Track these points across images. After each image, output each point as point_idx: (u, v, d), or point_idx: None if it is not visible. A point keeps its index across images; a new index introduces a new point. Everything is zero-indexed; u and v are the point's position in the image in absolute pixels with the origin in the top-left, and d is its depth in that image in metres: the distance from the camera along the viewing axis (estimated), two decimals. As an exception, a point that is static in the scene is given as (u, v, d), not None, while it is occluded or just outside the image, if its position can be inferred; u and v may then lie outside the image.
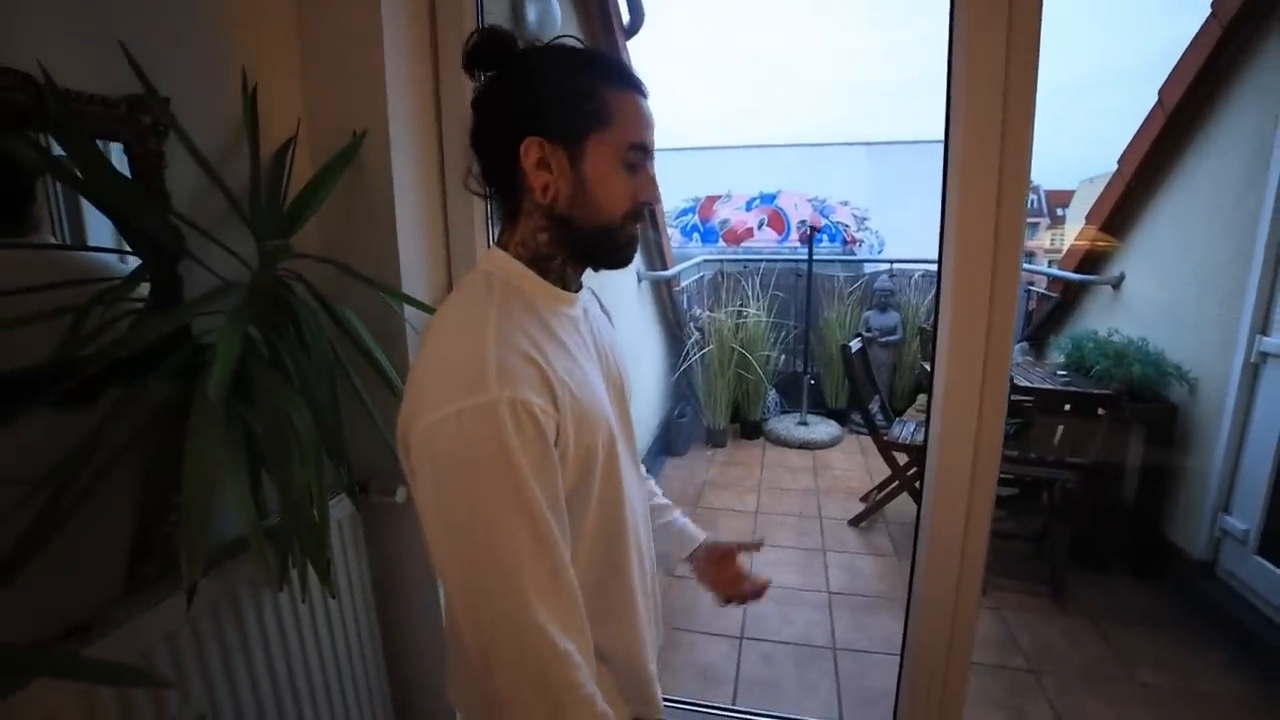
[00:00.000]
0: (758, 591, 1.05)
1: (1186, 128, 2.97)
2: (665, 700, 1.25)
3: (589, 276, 0.84)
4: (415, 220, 1.31)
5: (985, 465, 1.35)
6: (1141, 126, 3.20)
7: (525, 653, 0.65)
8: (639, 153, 0.73)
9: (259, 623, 1.09)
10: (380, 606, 1.40)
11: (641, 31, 2.95)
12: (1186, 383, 2.79)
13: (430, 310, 1.23)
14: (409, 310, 1.26)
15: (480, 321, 0.68)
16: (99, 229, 0.97)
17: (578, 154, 0.71)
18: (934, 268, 4.44)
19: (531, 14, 1.91)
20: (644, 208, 0.76)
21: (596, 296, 0.95)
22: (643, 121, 0.73)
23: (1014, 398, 2.80)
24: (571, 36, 0.76)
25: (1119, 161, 3.38)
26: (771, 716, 1.73)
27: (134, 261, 0.96)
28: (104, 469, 0.80)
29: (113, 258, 0.98)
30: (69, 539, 0.79)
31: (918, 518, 1.51)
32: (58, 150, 0.84)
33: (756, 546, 1.09)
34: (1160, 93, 3.03)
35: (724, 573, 1.07)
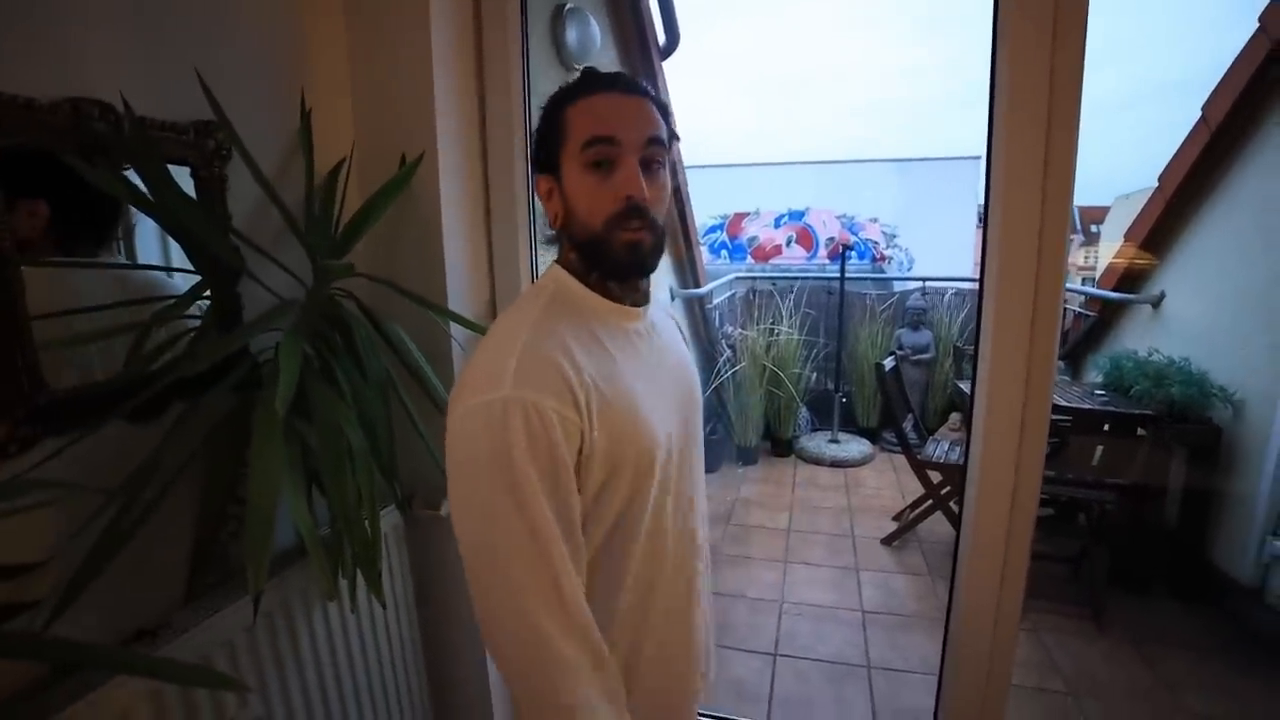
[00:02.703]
0: None
1: (1231, 144, 2.93)
2: (700, 714, 1.24)
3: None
4: (461, 240, 1.35)
5: (1026, 485, 1.34)
6: (1184, 143, 3.15)
7: (522, 653, 0.67)
8: (600, 146, 0.71)
9: (309, 631, 1.11)
10: (421, 616, 1.43)
11: (680, 50, 3.00)
12: (1231, 404, 2.74)
13: (476, 327, 1.26)
14: (455, 329, 1.29)
15: (518, 327, 0.71)
16: (147, 247, 1.00)
17: (560, 178, 0.75)
18: (965, 285, 4.41)
19: (572, 37, 1.96)
20: (629, 205, 0.72)
21: (673, 316, 0.97)
22: (598, 117, 0.72)
23: (1052, 417, 2.76)
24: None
25: (1159, 178, 3.34)
26: None
27: (180, 278, 1.00)
28: (170, 481, 0.84)
29: (161, 274, 1.02)
30: (135, 549, 0.82)
31: (957, 537, 1.49)
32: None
33: None
34: (1204, 109, 2.99)
35: None
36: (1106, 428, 2.91)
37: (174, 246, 0.98)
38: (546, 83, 1.61)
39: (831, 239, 9.26)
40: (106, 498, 0.78)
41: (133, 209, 0.91)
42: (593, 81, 0.75)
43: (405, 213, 1.25)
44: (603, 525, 0.75)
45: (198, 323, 1.01)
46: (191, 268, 0.99)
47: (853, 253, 10.10)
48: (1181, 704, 2.17)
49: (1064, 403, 2.96)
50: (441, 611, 1.47)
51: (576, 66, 2.03)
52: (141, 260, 1.01)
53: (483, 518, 0.67)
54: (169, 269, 0.97)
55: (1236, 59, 2.81)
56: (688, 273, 4.24)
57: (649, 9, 2.94)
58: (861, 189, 10.40)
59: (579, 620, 0.69)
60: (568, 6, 1.98)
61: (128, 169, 0.87)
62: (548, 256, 1.45)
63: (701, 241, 11.40)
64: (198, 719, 0.90)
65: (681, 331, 0.98)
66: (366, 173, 1.25)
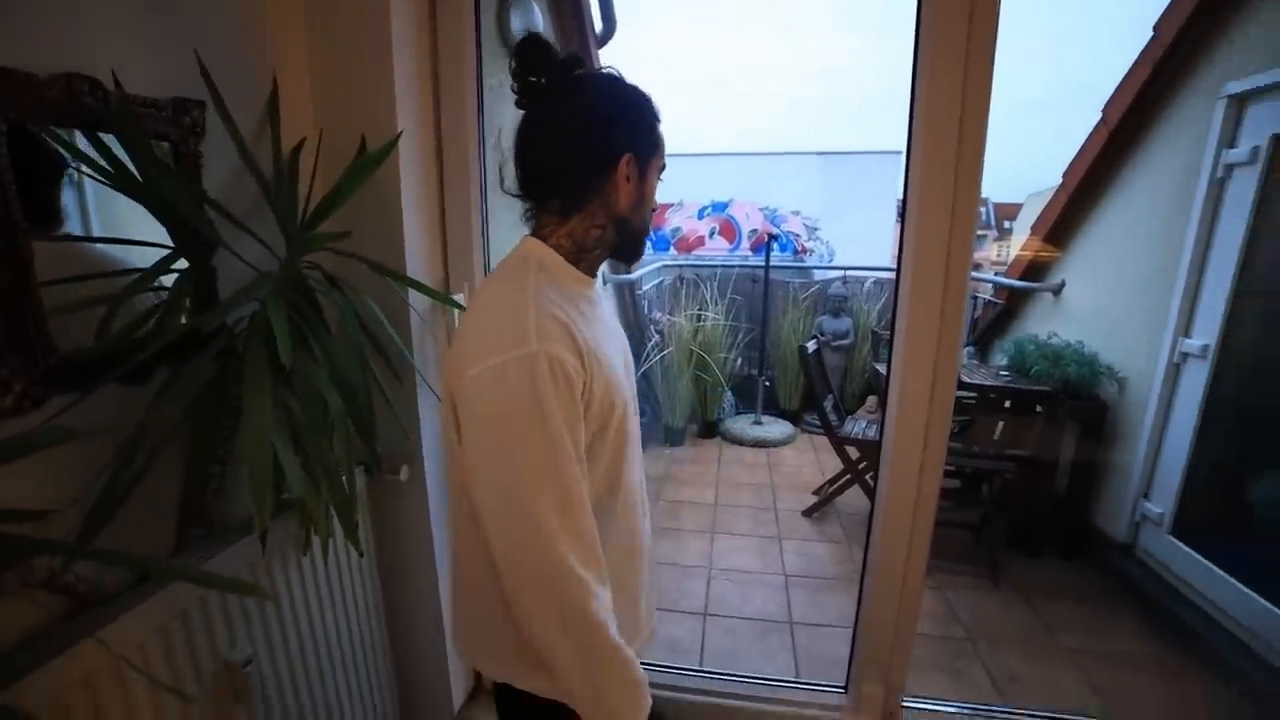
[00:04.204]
0: None
1: (1126, 145, 3.18)
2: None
3: None
4: (418, 219, 1.42)
5: (932, 456, 1.52)
6: (1086, 142, 3.39)
7: (548, 582, 0.77)
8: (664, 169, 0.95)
9: (285, 579, 1.19)
10: (380, 570, 1.51)
11: (615, 39, 3.08)
12: (1117, 381, 3.03)
13: (436, 294, 1.35)
14: (414, 303, 1.37)
15: (522, 292, 0.82)
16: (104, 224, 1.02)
17: (645, 171, 0.90)
18: (884, 275, 4.64)
19: (516, 24, 2.03)
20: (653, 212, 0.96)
21: (601, 290, 1.09)
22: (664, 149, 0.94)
23: (958, 395, 2.99)
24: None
25: (1063, 175, 3.59)
26: (734, 677, 1.86)
27: (136, 253, 1.02)
28: (164, 438, 0.89)
29: (117, 249, 1.03)
30: (130, 505, 0.87)
31: (872, 503, 1.66)
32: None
33: None
34: (1104, 110, 3.22)
35: None
36: (1008, 405, 3.15)
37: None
38: (491, 67, 1.68)
39: (754, 231, 9.44)
40: (112, 452, 0.83)
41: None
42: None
43: (366, 191, 1.30)
44: (598, 474, 0.87)
45: (164, 295, 1.04)
46: (156, 241, 1.02)
47: (776, 244, 10.39)
48: (1057, 642, 2.47)
49: (971, 382, 3.18)
50: (398, 567, 1.57)
51: (549, 40, 2.10)
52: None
53: (516, 459, 0.76)
54: (144, 243, 1.00)
55: (1134, 63, 3.04)
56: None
57: (588, -2, 3.01)
58: (784, 182, 10.56)
59: (592, 548, 0.80)
60: (511, -5, 2.04)
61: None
62: (504, 231, 1.54)
63: (627, 231, 11.49)
64: (198, 656, 0.98)
65: None
66: (327, 154, 1.30)
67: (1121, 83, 3.13)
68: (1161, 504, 2.75)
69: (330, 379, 1.06)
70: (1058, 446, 3.16)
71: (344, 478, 1.06)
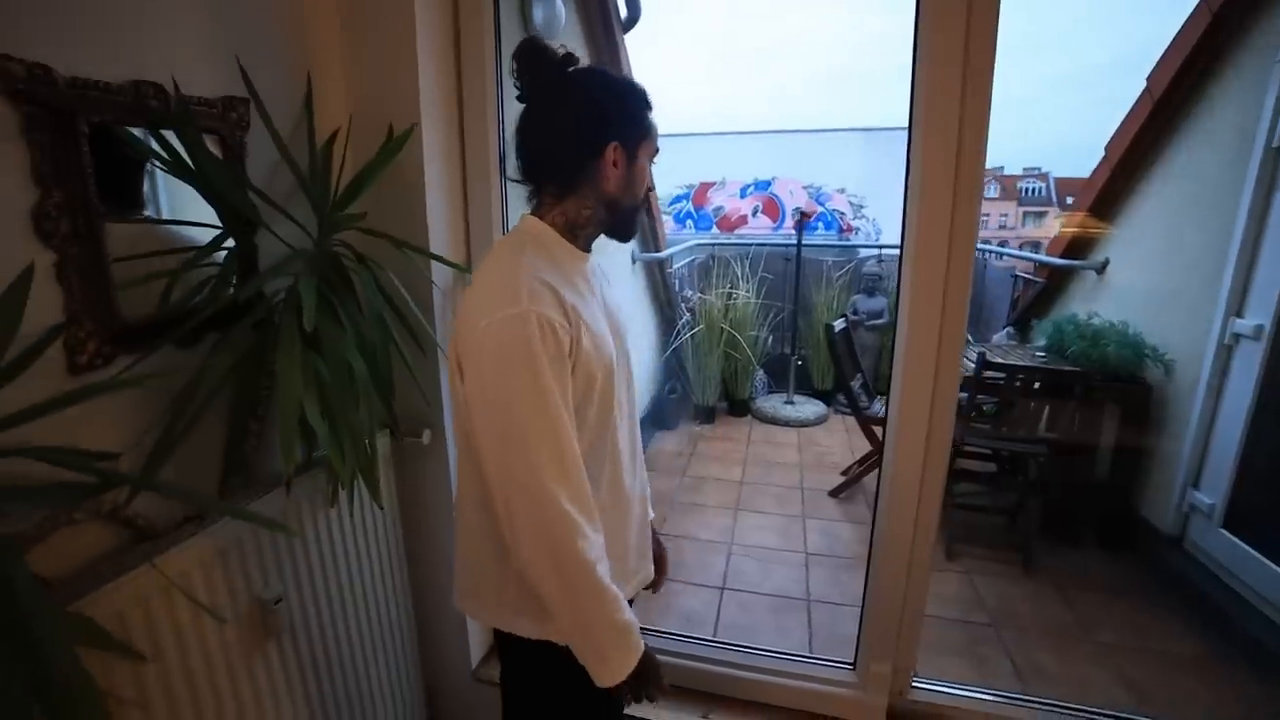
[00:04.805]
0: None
1: (1173, 116, 3.04)
2: (649, 631, 1.49)
3: (601, 252, 1.09)
4: (440, 199, 1.52)
5: (938, 433, 1.53)
6: (1129, 113, 3.26)
7: (537, 517, 0.88)
8: (656, 154, 1.06)
9: (314, 530, 1.32)
10: (405, 530, 1.64)
11: (641, 22, 3.13)
12: (1162, 364, 2.89)
13: (457, 266, 1.49)
14: (436, 277, 1.48)
15: (516, 262, 0.93)
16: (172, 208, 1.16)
17: (633, 155, 1.00)
18: None
19: (538, 15, 2.11)
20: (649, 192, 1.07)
21: (602, 269, 1.17)
22: (657, 132, 1.04)
23: (988, 375, 2.97)
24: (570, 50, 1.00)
25: (1106, 148, 3.46)
26: (745, 648, 1.91)
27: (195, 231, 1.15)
28: (211, 394, 1.03)
29: (178, 229, 1.16)
30: (180, 455, 1.01)
31: (878, 479, 1.69)
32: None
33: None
34: (1149, 79, 3.09)
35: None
36: (1037, 385, 3.05)
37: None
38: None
39: (797, 209, 9.40)
40: (166, 408, 0.97)
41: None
42: (651, 104, 1.02)
43: (393, 175, 1.40)
44: (586, 431, 0.97)
45: (217, 269, 1.18)
46: (213, 223, 1.15)
47: (819, 224, 10.22)
48: (1091, 636, 2.41)
49: (999, 363, 3.07)
50: (420, 524, 1.69)
51: (545, 43, 2.18)
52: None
53: (509, 401, 0.87)
54: (199, 224, 1.13)
55: (1180, 31, 2.90)
56: (649, 238, 4.41)
57: (611, -16, 3.06)
58: (830, 158, 10.43)
59: (580, 489, 0.91)
60: (536, -14, 2.11)
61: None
62: (516, 208, 1.64)
63: (667, 211, 11.39)
64: (234, 591, 1.12)
65: (609, 282, 1.20)
66: (358, 141, 1.42)
67: (1168, 48, 2.98)
68: (1212, 495, 2.62)
69: (357, 348, 1.18)
70: (1097, 431, 3.05)
71: (366, 439, 1.18)
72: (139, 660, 0.91)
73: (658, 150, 1.05)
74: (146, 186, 1.09)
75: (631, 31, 3.27)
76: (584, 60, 1.03)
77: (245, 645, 1.15)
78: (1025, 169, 40.69)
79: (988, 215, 39.86)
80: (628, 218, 1.05)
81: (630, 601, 1.10)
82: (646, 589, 1.26)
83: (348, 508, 1.37)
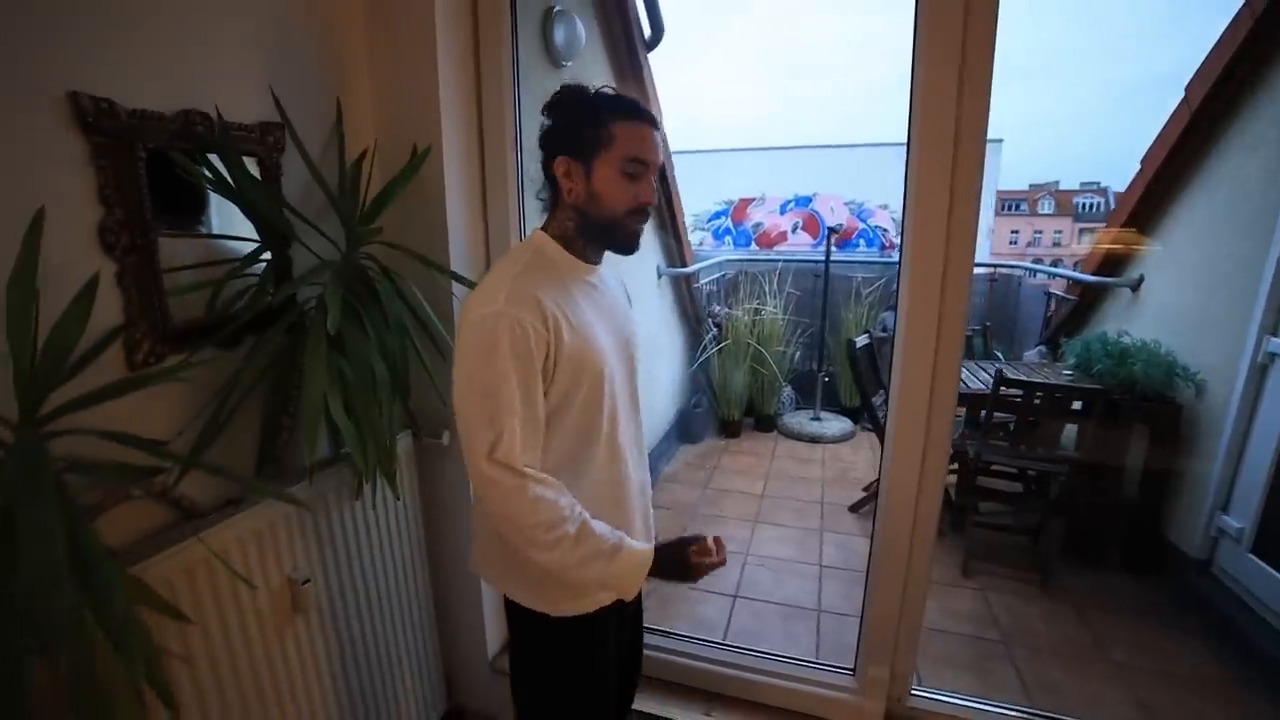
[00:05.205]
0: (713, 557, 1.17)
1: (1212, 126, 2.94)
2: (655, 629, 1.57)
3: (621, 270, 1.19)
4: (460, 213, 1.64)
5: (935, 448, 1.56)
6: (1166, 124, 3.15)
7: (496, 491, 0.98)
8: (637, 165, 1.03)
9: (340, 520, 1.44)
10: (426, 527, 1.75)
11: (680, 38, 3.20)
12: (1193, 384, 2.80)
13: (469, 283, 1.56)
14: (455, 288, 1.59)
15: (509, 269, 1.04)
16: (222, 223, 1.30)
17: (590, 168, 1.04)
18: None
19: (559, 37, 2.22)
20: (644, 208, 1.06)
21: (623, 282, 1.29)
22: (641, 142, 1.03)
23: (1006, 393, 2.96)
24: (581, 86, 1.08)
25: (1141, 161, 3.35)
26: (751, 651, 1.97)
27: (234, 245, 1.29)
28: (249, 389, 1.15)
29: (224, 241, 1.31)
30: (219, 445, 1.14)
31: (876, 495, 1.73)
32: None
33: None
34: (1187, 89, 2.98)
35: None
36: (1043, 401, 2.96)
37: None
38: (537, 79, 1.86)
39: (834, 227, 9.39)
40: (208, 404, 1.11)
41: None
42: (639, 113, 1.04)
43: (416, 192, 1.53)
44: (568, 422, 1.06)
45: (256, 278, 1.31)
46: (253, 236, 1.29)
47: (860, 240, 10.12)
48: (1105, 656, 2.37)
49: (1015, 379, 3.00)
50: (440, 520, 1.80)
51: (564, 64, 2.31)
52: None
53: (468, 389, 0.99)
54: (239, 238, 1.27)
55: (1220, 38, 2.79)
56: (675, 254, 4.50)
57: (635, 4, 3.14)
58: (873, 173, 10.08)
59: (531, 462, 1.01)
60: (556, 9, 2.24)
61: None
62: (534, 223, 1.75)
63: (705, 227, 11.40)
64: (267, 569, 1.25)
65: (628, 295, 1.29)
66: (385, 159, 1.55)
67: (1207, 57, 2.87)
68: (1242, 519, 2.54)
69: (379, 352, 1.29)
70: (1123, 451, 3.00)
71: (387, 437, 1.29)
72: (184, 621, 1.03)
73: (635, 159, 1.02)
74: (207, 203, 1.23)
75: (664, 49, 3.32)
76: (603, 80, 1.13)
77: (277, 618, 1.28)
78: (1083, 184, 39.77)
79: (1040, 232, 38.98)
80: (606, 228, 1.07)
81: (639, 595, 1.21)
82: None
83: (370, 500, 1.48)
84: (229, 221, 1.25)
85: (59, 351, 0.83)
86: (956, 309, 1.46)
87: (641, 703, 1.68)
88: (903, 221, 1.50)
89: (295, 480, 1.32)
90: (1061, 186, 39.55)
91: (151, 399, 1.09)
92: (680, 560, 1.12)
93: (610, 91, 1.06)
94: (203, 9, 1.16)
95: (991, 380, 2.95)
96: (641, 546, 1.09)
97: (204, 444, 1.09)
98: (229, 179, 1.16)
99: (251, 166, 1.27)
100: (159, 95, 1.09)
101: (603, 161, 1.03)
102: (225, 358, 1.22)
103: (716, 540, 1.17)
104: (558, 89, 1.08)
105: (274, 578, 1.26)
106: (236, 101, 1.23)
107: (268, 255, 1.30)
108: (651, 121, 1.06)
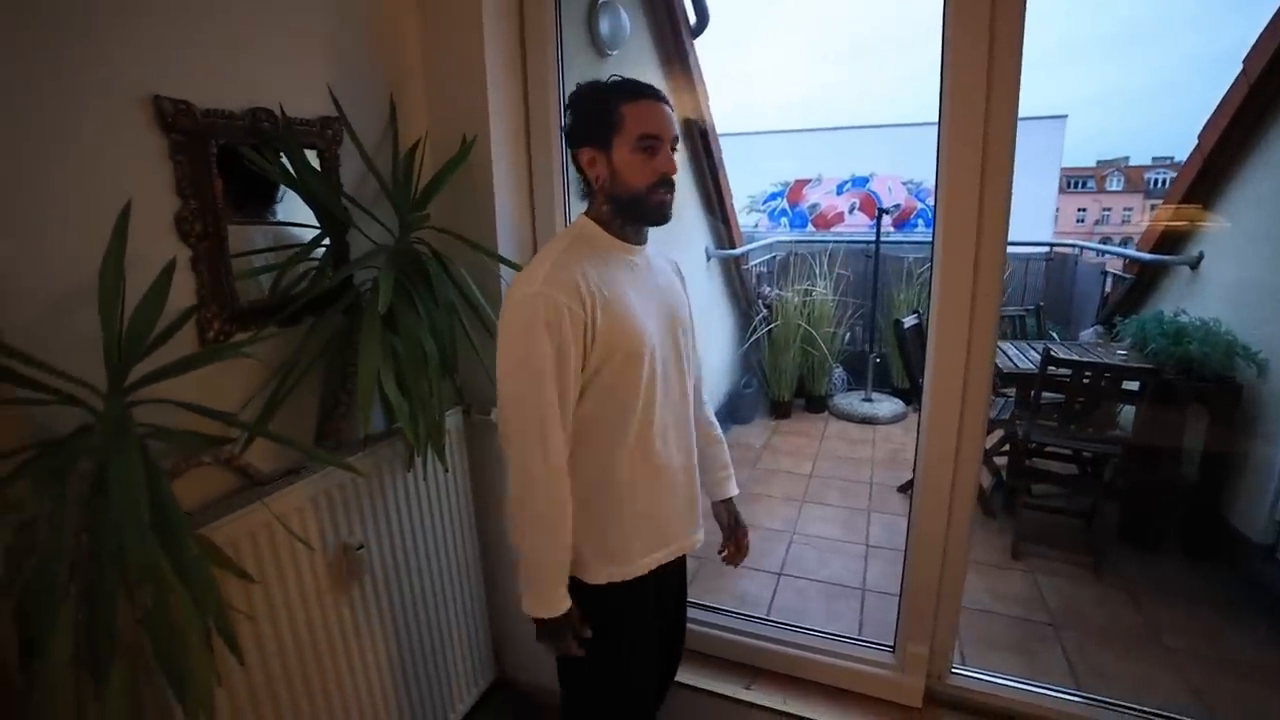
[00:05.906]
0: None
1: (1272, 99, 2.85)
2: (699, 604, 1.59)
3: (671, 248, 1.25)
4: (508, 201, 1.71)
5: (971, 424, 1.57)
6: (1224, 99, 3.07)
7: (515, 466, 1.09)
8: (650, 140, 1.09)
9: (393, 491, 1.53)
10: (475, 502, 1.84)
11: (730, 22, 3.21)
12: (1255, 363, 2.71)
13: (515, 266, 1.63)
14: (503, 270, 1.66)
15: (551, 252, 1.11)
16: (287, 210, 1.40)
17: (609, 152, 1.11)
18: (1016, 249, 4.24)
19: (604, 28, 2.26)
20: (665, 178, 1.11)
21: (675, 263, 1.34)
22: (650, 117, 1.09)
23: (1053, 372, 2.90)
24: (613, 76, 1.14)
25: (1199, 136, 3.27)
26: (791, 626, 2.00)
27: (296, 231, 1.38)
28: (310, 365, 1.25)
29: (287, 228, 1.41)
30: (282, 417, 1.23)
31: (914, 467, 1.74)
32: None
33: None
34: (1245, 61, 2.90)
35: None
36: (1092, 380, 2.87)
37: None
38: (583, 69, 1.91)
39: (888, 209, 9.22)
40: (271, 379, 1.21)
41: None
42: (642, 91, 1.10)
43: (465, 180, 1.60)
44: (603, 393, 1.12)
45: (317, 262, 1.40)
46: (314, 223, 1.38)
47: (919, 220, 9.85)
48: (1158, 641, 2.33)
49: (1063, 358, 2.98)
50: (489, 494, 1.88)
51: (610, 53, 2.35)
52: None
53: (504, 364, 1.08)
54: (301, 224, 1.36)
55: (1278, 9, 2.73)
56: (723, 236, 4.50)
57: (679, -8, 3.17)
58: (932, 153, 10.18)
59: (553, 445, 1.08)
60: (600, 1, 2.29)
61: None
62: (579, 207, 1.81)
63: (761, 209, 11.26)
64: (324, 534, 1.35)
65: (682, 278, 1.35)
66: (437, 149, 1.63)
67: (1266, 28, 2.78)
68: None
69: (429, 332, 1.37)
70: (1180, 432, 2.90)
71: (436, 412, 1.37)
72: (248, 580, 1.13)
73: (646, 135, 1.08)
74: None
75: (713, 35, 3.33)
76: (649, 67, 1.20)
77: (333, 581, 1.38)
78: (1155, 159, 37.89)
79: (1109, 210, 37.24)
80: (634, 204, 1.13)
81: (669, 565, 1.28)
82: (720, 555, 1.51)
83: (421, 472, 1.57)
84: (291, 210, 1.35)
85: (141, 328, 0.93)
86: (990, 288, 1.46)
87: (683, 674, 1.72)
88: (935, 201, 1.51)
89: (351, 452, 1.41)
90: (1132, 162, 37.78)
91: (221, 373, 1.19)
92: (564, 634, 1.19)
93: (616, 79, 1.13)
94: (268, 14, 1.25)
95: (1040, 358, 2.89)
96: (564, 602, 1.15)
97: (267, 415, 1.18)
98: (292, 170, 1.25)
99: (312, 158, 1.35)
100: (229, 95, 1.18)
101: (619, 144, 1.09)
102: (287, 336, 1.31)
103: (738, 539, 1.52)
104: (575, 88, 1.15)
105: (330, 542, 1.36)
106: (298, 98, 1.31)
107: (327, 241, 1.39)
108: (656, 96, 1.11)
